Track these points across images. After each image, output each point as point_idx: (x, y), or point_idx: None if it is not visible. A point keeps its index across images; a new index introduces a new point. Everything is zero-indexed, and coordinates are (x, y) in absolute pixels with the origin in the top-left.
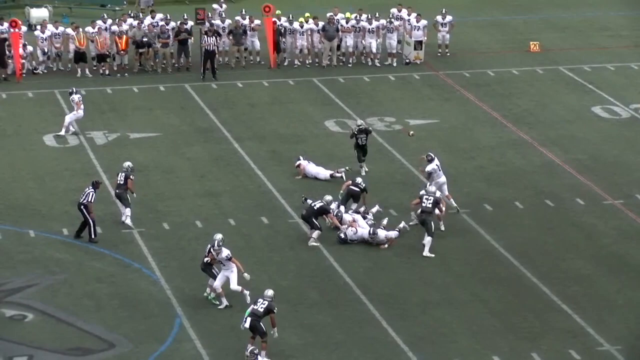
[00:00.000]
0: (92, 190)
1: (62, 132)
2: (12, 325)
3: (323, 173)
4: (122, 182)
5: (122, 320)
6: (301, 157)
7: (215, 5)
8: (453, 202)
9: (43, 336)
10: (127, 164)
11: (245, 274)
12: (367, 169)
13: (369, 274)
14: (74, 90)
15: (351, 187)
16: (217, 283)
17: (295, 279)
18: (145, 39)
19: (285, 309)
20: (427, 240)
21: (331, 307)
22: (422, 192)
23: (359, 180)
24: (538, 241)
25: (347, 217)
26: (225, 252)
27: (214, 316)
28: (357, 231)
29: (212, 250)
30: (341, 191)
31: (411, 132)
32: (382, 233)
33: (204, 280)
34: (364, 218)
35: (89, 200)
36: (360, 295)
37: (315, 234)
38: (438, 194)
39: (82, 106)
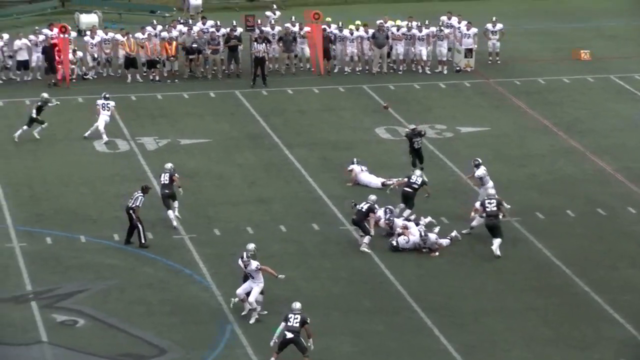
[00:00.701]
0: (141, 194)
1: (105, 139)
2: (63, 330)
3: (375, 182)
4: (167, 182)
5: (173, 326)
6: (355, 160)
7: (268, 13)
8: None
9: (94, 342)
10: (169, 164)
11: (281, 275)
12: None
13: (421, 281)
14: (107, 96)
15: (405, 188)
16: (251, 298)
17: (347, 286)
18: (195, 46)
19: (336, 317)
20: (497, 241)
21: (383, 315)
22: (481, 197)
23: (414, 178)
24: (590, 250)
25: (399, 222)
26: (255, 264)
27: (265, 322)
28: (409, 240)
29: (241, 261)
30: (391, 184)
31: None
32: (432, 236)
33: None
34: (417, 224)
35: (137, 204)
36: (412, 303)
37: (367, 239)
38: (492, 191)
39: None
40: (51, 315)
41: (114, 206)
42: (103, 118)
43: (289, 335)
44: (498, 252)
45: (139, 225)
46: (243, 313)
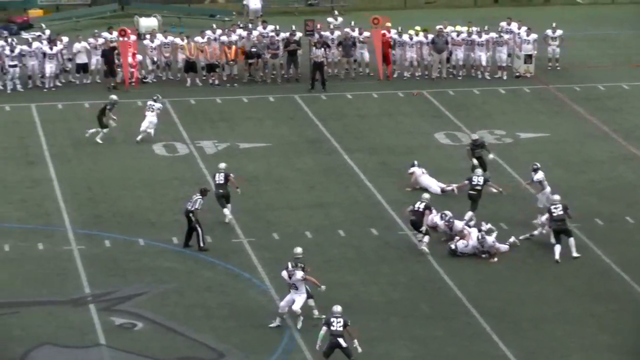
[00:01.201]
0: (200, 197)
1: (139, 138)
2: (121, 333)
3: (435, 187)
4: (222, 182)
5: (231, 330)
6: (415, 163)
7: (330, 19)
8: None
9: (152, 345)
10: (223, 164)
11: (322, 287)
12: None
13: (480, 287)
14: (158, 97)
15: (470, 191)
16: (295, 307)
17: (406, 291)
18: (254, 50)
19: (395, 322)
20: (571, 242)
21: (441, 320)
22: (540, 203)
23: (476, 179)
24: None
25: (459, 225)
26: (300, 274)
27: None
28: (468, 244)
29: (286, 272)
30: (450, 189)
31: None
32: (490, 239)
33: (315, 291)
34: (479, 230)
35: (197, 207)
36: (471, 309)
37: (426, 238)
38: (557, 197)
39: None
40: (109, 318)
41: (173, 209)
42: (148, 119)
43: (335, 339)
44: (575, 253)
45: (198, 229)
46: (299, 326)
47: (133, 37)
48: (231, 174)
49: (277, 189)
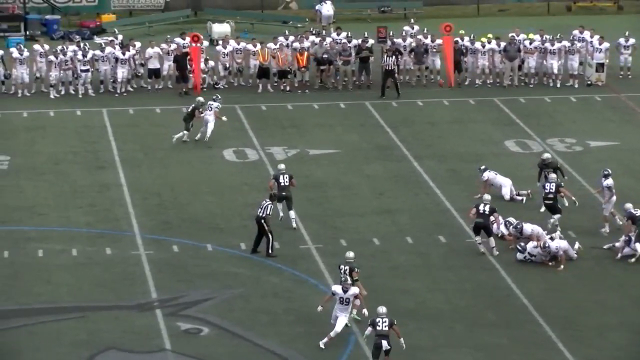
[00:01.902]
0: (270, 203)
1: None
2: (187, 339)
3: (507, 189)
4: (286, 184)
5: (297, 336)
6: (484, 167)
7: (406, 27)
8: (618, 220)
9: (218, 350)
10: (283, 165)
11: (365, 310)
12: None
13: (546, 295)
14: (218, 97)
15: (545, 201)
16: (338, 328)
17: (472, 298)
18: (326, 56)
19: (461, 329)
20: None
21: (507, 328)
22: (606, 212)
23: (548, 186)
24: None
25: (528, 228)
26: (355, 290)
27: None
28: (537, 246)
29: (341, 287)
30: (520, 199)
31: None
32: (554, 245)
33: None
34: (551, 239)
35: (268, 213)
36: (537, 317)
37: (492, 241)
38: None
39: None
40: (175, 323)
41: (242, 215)
42: (204, 118)
43: (379, 340)
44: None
45: (269, 235)
46: (366, 333)
47: (205, 43)
48: (293, 176)
49: (345, 196)
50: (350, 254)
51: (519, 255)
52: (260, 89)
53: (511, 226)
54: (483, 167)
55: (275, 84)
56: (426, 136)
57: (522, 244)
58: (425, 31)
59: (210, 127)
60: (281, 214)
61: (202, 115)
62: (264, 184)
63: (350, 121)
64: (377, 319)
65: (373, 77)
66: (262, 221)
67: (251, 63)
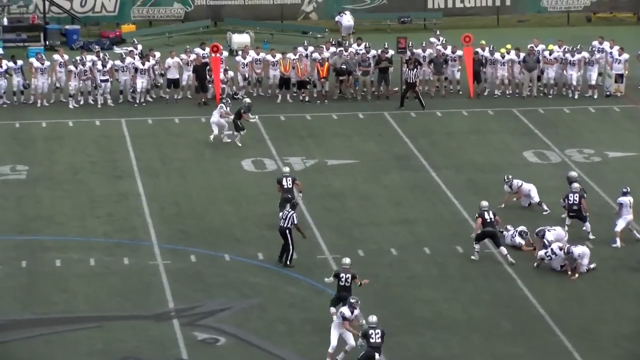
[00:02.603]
0: (293, 212)
1: (215, 134)
2: (204, 348)
3: (535, 191)
4: (289, 186)
5: (314, 346)
6: (509, 177)
7: (432, 39)
8: (637, 234)
9: None
10: (287, 168)
11: (360, 340)
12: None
13: (562, 304)
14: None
15: (570, 213)
16: (351, 341)
17: (489, 308)
18: (344, 67)
19: (477, 339)
20: None
21: (524, 338)
22: (619, 228)
23: (572, 197)
24: None
25: (551, 235)
26: (358, 311)
27: (405, 344)
28: (558, 254)
29: (349, 309)
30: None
31: None
32: (577, 251)
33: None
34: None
35: (294, 222)
36: (554, 327)
37: (504, 250)
38: None
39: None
40: (192, 333)
41: (259, 225)
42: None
43: (371, 352)
44: None
45: (291, 246)
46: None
47: (225, 53)
48: (296, 179)
49: (363, 206)
50: (347, 260)
51: (542, 252)
52: (280, 99)
53: (527, 235)
54: (510, 176)
55: (295, 94)
56: (444, 146)
57: (549, 239)
58: (444, 42)
59: (223, 125)
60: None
61: (245, 117)
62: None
63: (368, 131)
64: (370, 331)
65: (392, 88)
66: (287, 231)
67: (270, 73)
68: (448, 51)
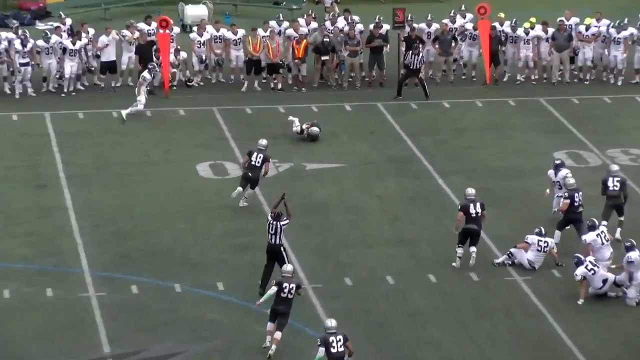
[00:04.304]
0: (279, 223)
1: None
2: None
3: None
4: (258, 164)
5: None
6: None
7: (458, 16)
8: None
9: None
10: (264, 141)
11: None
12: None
13: (604, 348)
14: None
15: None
16: None
17: (512, 352)
18: (327, 40)
19: None
20: None
21: None
22: None
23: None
24: None
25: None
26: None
27: None
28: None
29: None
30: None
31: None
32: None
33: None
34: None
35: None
36: None
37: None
38: None
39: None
40: None
41: (220, 247)
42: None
43: None
44: None
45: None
46: None
47: (176, 30)
48: (270, 159)
49: (352, 221)
50: (289, 267)
51: (581, 270)
52: (246, 86)
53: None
54: (558, 161)
55: (264, 80)
56: (453, 146)
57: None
58: (452, 13)
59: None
60: (236, 192)
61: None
62: (249, 207)
63: (357, 127)
64: (330, 338)
65: (388, 72)
66: (281, 250)
67: (233, 54)
68: (457, 25)
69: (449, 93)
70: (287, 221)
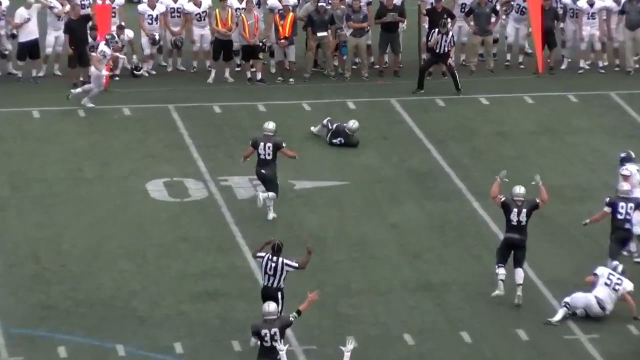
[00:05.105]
0: (283, 258)
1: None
2: None
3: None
4: (269, 156)
5: None
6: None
7: None
8: None
9: None
10: (272, 124)
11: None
12: None
13: None
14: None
15: None
16: None
17: None
18: (323, 14)
19: None
20: None
21: None
22: None
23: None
24: None
25: None
26: None
27: None
28: None
29: None
30: None
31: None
32: None
33: None
34: None
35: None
36: None
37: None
38: None
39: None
40: None
41: (177, 294)
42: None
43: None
44: None
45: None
46: None
47: (120, 1)
48: (284, 144)
49: (356, 260)
50: (271, 307)
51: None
52: (213, 76)
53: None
54: (624, 153)
55: (238, 68)
56: (494, 156)
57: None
58: None
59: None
60: (260, 198)
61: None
62: (216, 239)
63: (365, 131)
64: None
65: (404, 58)
66: (279, 294)
67: (196, 33)
68: None
69: (488, 85)
70: (297, 265)
